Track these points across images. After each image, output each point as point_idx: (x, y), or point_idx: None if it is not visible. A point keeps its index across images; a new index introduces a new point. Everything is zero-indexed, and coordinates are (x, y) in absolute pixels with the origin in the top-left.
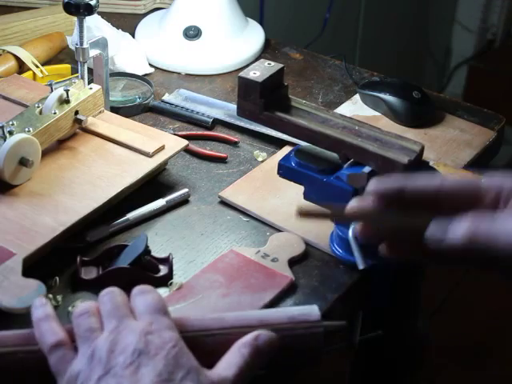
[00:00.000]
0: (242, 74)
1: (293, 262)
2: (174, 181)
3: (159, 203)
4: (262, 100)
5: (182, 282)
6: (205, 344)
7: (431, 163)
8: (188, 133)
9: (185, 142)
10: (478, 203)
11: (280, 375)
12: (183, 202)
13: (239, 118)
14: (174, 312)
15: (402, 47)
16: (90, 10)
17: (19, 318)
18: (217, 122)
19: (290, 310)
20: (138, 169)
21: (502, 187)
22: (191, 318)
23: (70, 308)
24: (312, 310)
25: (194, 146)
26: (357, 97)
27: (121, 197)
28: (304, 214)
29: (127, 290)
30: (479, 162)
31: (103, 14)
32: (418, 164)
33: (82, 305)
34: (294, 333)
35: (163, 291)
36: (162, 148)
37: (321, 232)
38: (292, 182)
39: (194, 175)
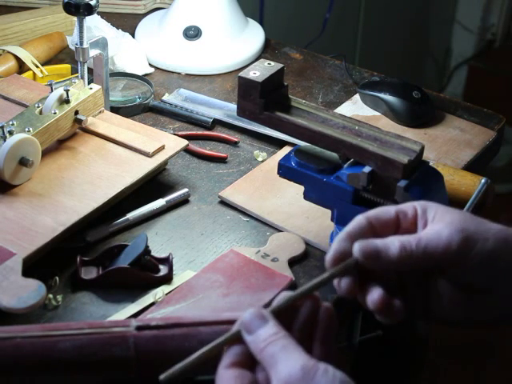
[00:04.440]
0: (241, 73)
1: (293, 262)
2: (174, 181)
3: (159, 203)
4: (262, 100)
5: (165, 292)
6: (200, 333)
7: (431, 163)
8: (188, 133)
9: (185, 142)
10: (398, 228)
11: None
12: (183, 201)
13: (239, 118)
14: (174, 312)
15: (402, 47)
16: (89, 10)
17: (19, 317)
18: (217, 122)
19: None
20: (137, 169)
21: (415, 209)
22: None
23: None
24: None
25: (194, 146)
26: (357, 97)
27: (121, 197)
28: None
29: (127, 290)
30: (479, 162)
31: (103, 14)
32: (418, 164)
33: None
34: None
35: (159, 296)
36: (162, 148)
37: (321, 232)
38: (292, 182)
39: (193, 175)
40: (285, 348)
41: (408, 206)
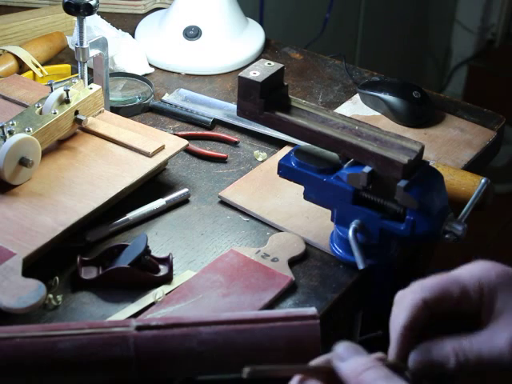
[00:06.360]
0: (241, 73)
1: (293, 262)
2: (174, 181)
3: (159, 203)
4: (262, 100)
5: (165, 292)
6: (200, 333)
7: (431, 163)
8: (188, 133)
9: (185, 142)
10: (462, 306)
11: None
12: (183, 201)
13: (239, 118)
14: (174, 312)
15: (402, 47)
16: (89, 9)
17: (19, 317)
18: (217, 122)
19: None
20: (138, 169)
21: (482, 287)
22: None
23: None
24: (309, 309)
25: (194, 146)
26: (357, 97)
27: (121, 197)
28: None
29: (127, 290)
30: (479, 162)
31: (103, 14)
32: (418, 164)
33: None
34: (290, 324)
35: (159, 296)
36: (162, 148)
37: (321, 232)
38: (292, 182)
39: (194, 175)
40: (389, 377)
41: (472, 285)
